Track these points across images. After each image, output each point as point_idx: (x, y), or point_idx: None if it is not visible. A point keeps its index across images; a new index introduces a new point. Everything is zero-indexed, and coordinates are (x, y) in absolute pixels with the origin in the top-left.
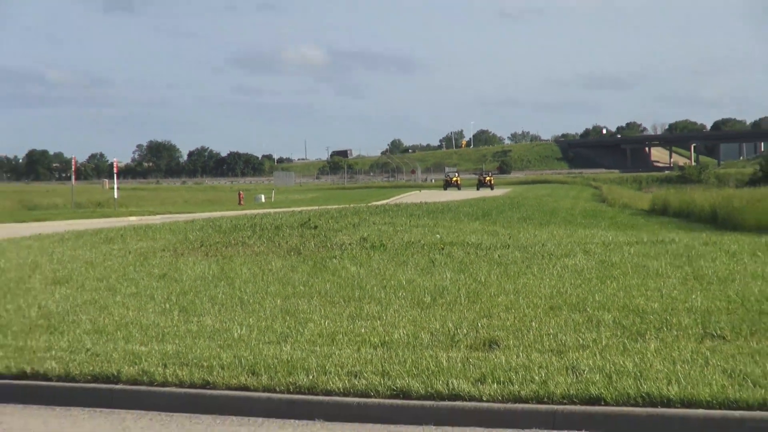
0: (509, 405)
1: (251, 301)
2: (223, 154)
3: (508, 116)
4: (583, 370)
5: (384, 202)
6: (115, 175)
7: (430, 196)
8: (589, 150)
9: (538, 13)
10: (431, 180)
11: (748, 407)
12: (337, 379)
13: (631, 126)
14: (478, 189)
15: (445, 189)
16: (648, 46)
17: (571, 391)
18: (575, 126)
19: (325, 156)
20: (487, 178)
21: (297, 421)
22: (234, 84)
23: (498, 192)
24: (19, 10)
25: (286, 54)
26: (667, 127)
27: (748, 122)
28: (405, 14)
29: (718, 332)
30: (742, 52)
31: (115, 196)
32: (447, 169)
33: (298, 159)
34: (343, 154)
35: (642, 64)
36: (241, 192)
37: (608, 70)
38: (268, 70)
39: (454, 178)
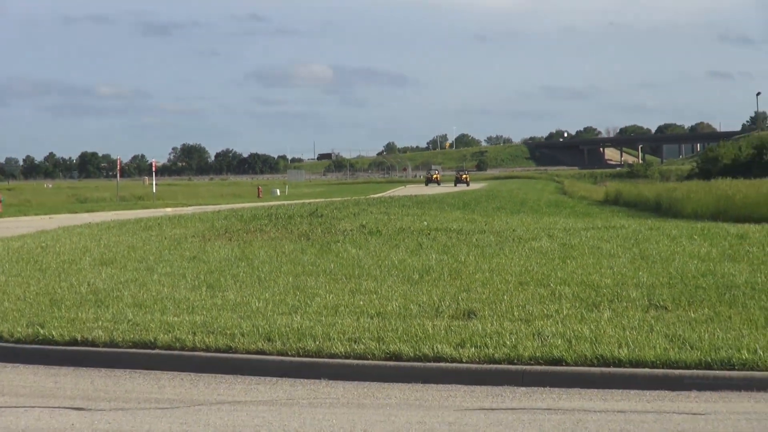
0: (485, 366)
1: (267, 278)
2: (245, 154)
3: (485, 122)
4: (547, 336)
5: (380, 195)
6: (153, 173)
7: (418, 190)
8: (553, 150)
9: (508, 36)
10: (420, 176)
11: (687, 366)
12: (339, 344)
13: (588, 130)
14: (455, 185)
15: (427, 185)
16: (602, 63)
17: (537, 354)
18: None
19: (331, 156)
20: (464, 176)
21: (306, 380)
22: (253, 96)
23: (474, 186)
24: (74, 35)
25: (298, 70)
26: (618, 130)
27: (686, 126)
28: (398, 38)
29: (661, 303)
30: (680, 68)
31: (154, 191)
32: (432, 168)
33: (308, 159)
34: (327, 156)
35: (596, 78)
36: (259, 187)
37: (568, 83)
38: (282, 83)
39: (435, 176)
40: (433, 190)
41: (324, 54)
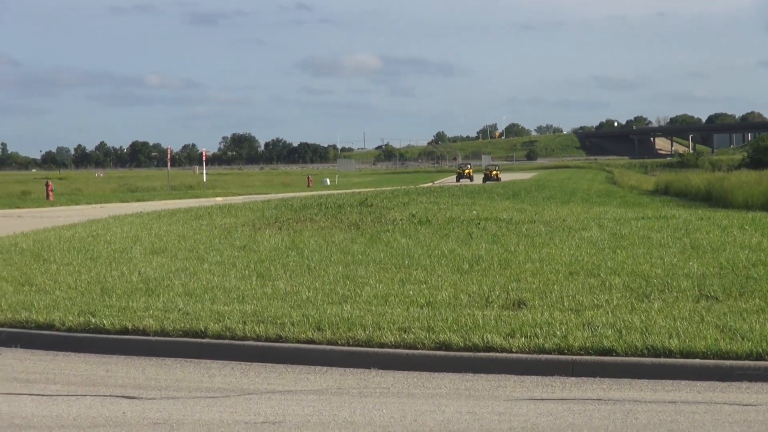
0: (535, 356)
1: (317, 267)
2: (295, 144)
3: (535, 111)
4: (598, 326)
5: (429, 184)
6: (204, 163)
7: (467, 179)
8: (603, 140)
9: (556, 25)
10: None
11: (737, 357)
12: (389, 333)
13: (639, 119)
14: (484, 182)
15: (458, 181)
16: (651, 53)
17: (587, 344)
18: (591, 119)
19: (380, 146)
20: (494, 172)
21: (355, 369)
22: (302, 85)
23: (523, 176)
24: (122, 25)
25: (345, 60)
26: (668, 120)
27: (737, 116)
28: (445, 27)
29: (712, 294)
30: (729, 57)
31: (204, 180)
32: (462, 161)
33: (358, 148)
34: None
35: (646, 68)
36: (309, 176)
37: (618, 73)
38: (330, 73)
39: (467, 170)
40: (480, 178)
41: (371, 43)
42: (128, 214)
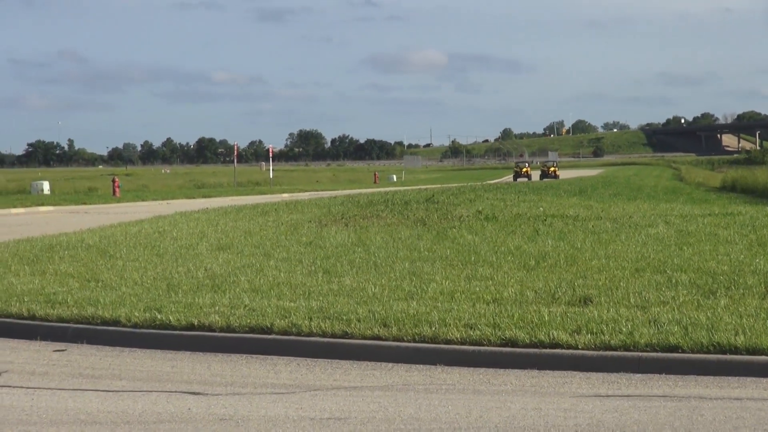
0: (601, 352)
1: (383, 264)
2: (362, 140)
3: (601, 108)
4: (664, 323)
5: (496, 181)
6: (270, 159)
7: (534, 176)
8: (670, 137)
9: (622, 21)
10: (537, 162)
11: None
12: (455, 330)
13: (705, 116)
14: (541, 179)
15: (515, 180)
16: (718, 49)
17: (653, 341)
18: (657, 116)
19: (446, 142)
20: (551, 168)
21: (421, 366)
22: (368, 81)
23: (590, 173)
24: (188, 22)
25: (412, 57)
26: (735, 117)
27: None
28: (511, 24)
29: None
30: None
31: (271, 177)
32: (521, 158)
33: (424, 145)
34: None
35: (713, 64)
36: (376, 173)
37: (684, 70)
38: (396, 69)
39: (525, 169)
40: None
41: (437, 40)
42: (194, 211)
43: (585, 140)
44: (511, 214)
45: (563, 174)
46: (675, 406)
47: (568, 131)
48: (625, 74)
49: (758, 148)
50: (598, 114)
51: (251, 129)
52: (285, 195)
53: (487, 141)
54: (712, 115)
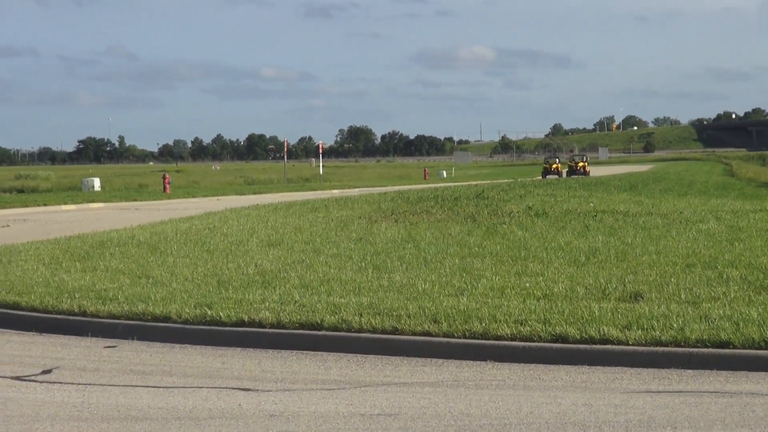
0: (651, 348)
1: (433, 260)
2: (411, 136)
3: (651, 103)
4: (714, 319)
5: (558, 176)
6: (320, 155)
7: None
8: (720, 132)
9: (671, 16)
10: (586, 158)
11: None
12: (505, 326)
13: (756, 111)
14: (569, 176)
15: (544, 177)
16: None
17: (704, 337)
18: (708, 111)
19: (496, 138)
20: (580, 164)
21: (472, 362)
22: (417, 77)
23: (640, 168)
24: (236, 19)
25: (460, 52)
26: None
27: None
28: (559, 19)
29: None
30: None
31: (320, 173)
32: (551, 155)
33: (474, 141)
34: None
35: (762, 59)
36: (426, 169)
37: (733, 64)
38: (444, 65)
39: (555, 165)
40: (598, 171)
41: (485, 35)
42: (245, 207)
43: (635, 136)
44: (561, 209)
45: (613, 170)
46: (726, 402)
47: (618, 127)
48: (675, 69)
49: None
50: (648, 109)
51: (301, 125)
52: (335, 191)
53: (537, 137)
54: (764, 110)
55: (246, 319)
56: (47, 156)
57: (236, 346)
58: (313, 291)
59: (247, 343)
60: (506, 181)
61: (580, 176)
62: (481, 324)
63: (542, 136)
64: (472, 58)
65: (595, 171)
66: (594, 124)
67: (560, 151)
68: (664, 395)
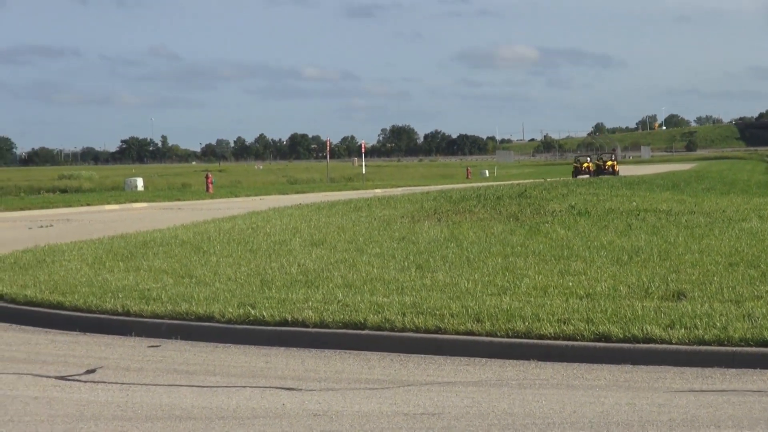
0: (695, 347)
1: (476, 259)
2: (454, 136)
3: (694, 102)
4: (758, 317)
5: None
6: (363, 155)
7: (625, 171)
8: (763, 130)
9: (712, 15)
10: (629, 157)
11: None
12: (548, 325)
13: None
14: (596, 175)
15: (575, 177)
16: None
17: (748, 335)
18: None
19: (538, 137)
20: (608, 163)
21: (515, 361)
22: (459, 77)
23: (682, 167)
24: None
25: (502, 52)
26: None
27: None
28: (602, 19)
29: None
30: None
31: (363, 172)
32: (576, 154)
33: (517, 140)
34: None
35: None
36: (468, 168)
37: None
38: (486, 65)
39: (585, 164)
40: (637, 169)
41: (528, 35)
42: (288, 206)
43: (677, 134)
44: (603, 208)
45: (656, 168)
46: None
47: (660, 125)
48: (717, 68)
49: None
50: (690, 108)
51: (343, 125)
52: (377, 190)
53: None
54: None
55: (289, 319)
56: (90, 156)
57: (279, 345)
58: (356, 290)
59: (291, 342)
60: (549, 180)
61: (609, 176)
62: (524, 323)
63: (584, 135)
64: (514, 57)
65: (637, 170)
66: (636, 123)
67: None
68: (708, 394)
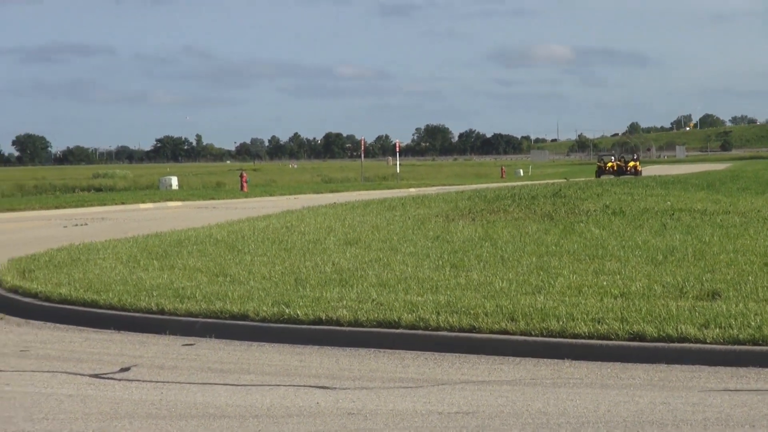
0: (729, 346)
1: (510, 258)
2: (488, 135)
3: (729, 102)
4: None
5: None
6: (397, 154)
7: (660, 170)
8: None
9: (747, 15)
10: (664, 156)
11: None
12: (582, 324)
13: None
14: (616, 176)
15: (598, 176)
16: None
17: None
18: None
19: (573, 136)
20: (630, 163)
21: (549, 360)
22: (493, 76)
23: (717, 167)
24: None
25: (536, 51)
26: None
27: None
28: (636, 18)
29: None
30: None
31: (397, 171)
32: (600, 153)
33: (551, 139)
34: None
35: None
36: (503, 167)
37: None
38: (521, 64)
39: (610, 163)
40: (671, 169)
41: (562, 34)
42: (322, 205)
43: (713, 134)
44: (638, 208)
45: (690, 168)
46: None
47: (695, 125)
48: (752, 68)
49: None
50: (725, 108)
51: (378, 124)
52: (412, 189)
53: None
54: None
55: (323, 318)
56: (125, 155)
57: (314, 344)
58: (390, 289)
59: (325, 341)
60: (583, 179)
61: (630, 176)
62: (558, 322)
63: (619, 134)
64: (548, 56)
65: (671, 169)
66: (671, 123)
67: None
68: (743, 394)
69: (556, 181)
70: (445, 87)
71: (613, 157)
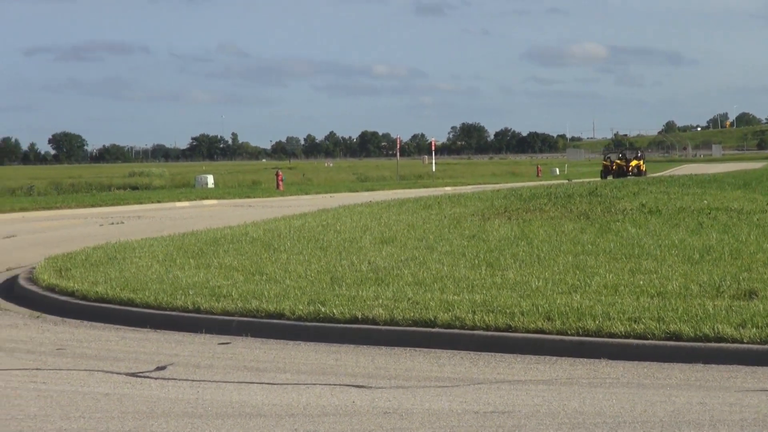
0: (766, 346)
1: (546, 257)
2: (524, 134)
3: (765, 100)
4: None
5: (659, 174)
6: (432, 152)
7: (697, 169)
8: None
9: None
10: (700, 155)
11: None
12: (619, 323)
13: None
14: (617, 177)
15: (604, 177)
16: None
17: None
18: None
19: (609, 135)
20: (633, 162)
21: (585, 360)
22: (528, 74)
23: (754, 166)
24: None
25: (572, 50)
26: None
27: None
28: (671, 16)
29: None
30: None
31: (433, 170)
32: (604, 150)
33: (587, 138)
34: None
35: None
36: (539, 166)
37: None
38: (556, 63)
39: (616, 162)
40: (708, 167)
41: (597, 33)
42: (357, 204)
43: (749, 133)
44: (674, 207)
45: (727, 167)
46: None
47: (732, 124)
48: None
49: None
50: (762, 106)
51: (413, 122)
52: (447, 188)
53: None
54: None
55: (359, 316)
56: (161, 153)
57: (349, 343)
58: (426, 288)
59: (360, 340)
60: (619, 178)
61: (634, 176)
62: (594, 322)
63: (655, 133)
64: (584, 55)
65: (708, 168)
66: (707, 122)
67: (673, 149)
68: None
69: (591, 180)
70: (480, 85)
71: (620, 156)
